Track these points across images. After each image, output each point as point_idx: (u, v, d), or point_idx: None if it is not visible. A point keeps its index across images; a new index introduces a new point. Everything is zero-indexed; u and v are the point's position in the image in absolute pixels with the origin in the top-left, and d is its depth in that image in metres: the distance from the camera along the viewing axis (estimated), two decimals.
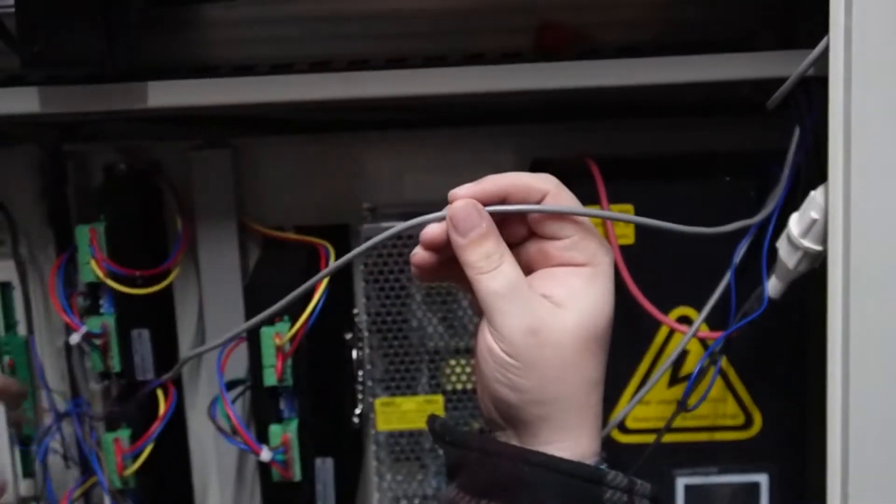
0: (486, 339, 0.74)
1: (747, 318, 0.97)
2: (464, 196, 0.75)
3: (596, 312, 0.75)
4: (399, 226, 0.78)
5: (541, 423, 0.74)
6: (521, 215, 0.76)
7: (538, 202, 0.76)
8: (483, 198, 0.75)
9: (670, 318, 1.01)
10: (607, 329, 0.75)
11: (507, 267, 0.74)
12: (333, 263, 0.86)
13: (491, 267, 0.74)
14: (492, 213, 0.75)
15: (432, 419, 0.79)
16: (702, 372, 1.01)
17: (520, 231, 0.77)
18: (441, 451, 0.83)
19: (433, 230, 0.76)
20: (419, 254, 0.77)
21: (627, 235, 1.01)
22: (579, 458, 0.74)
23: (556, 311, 0.74)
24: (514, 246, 0.77)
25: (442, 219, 0.76)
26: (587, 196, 1.00)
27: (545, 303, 0.74)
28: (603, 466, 0.74)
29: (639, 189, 1.01)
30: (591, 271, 0.75)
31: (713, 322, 1.00)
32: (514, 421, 0.75)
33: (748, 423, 1.05)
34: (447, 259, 0.77)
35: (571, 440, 0.74)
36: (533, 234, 0.77)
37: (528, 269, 0.77)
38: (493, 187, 0.76)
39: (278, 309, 0.84)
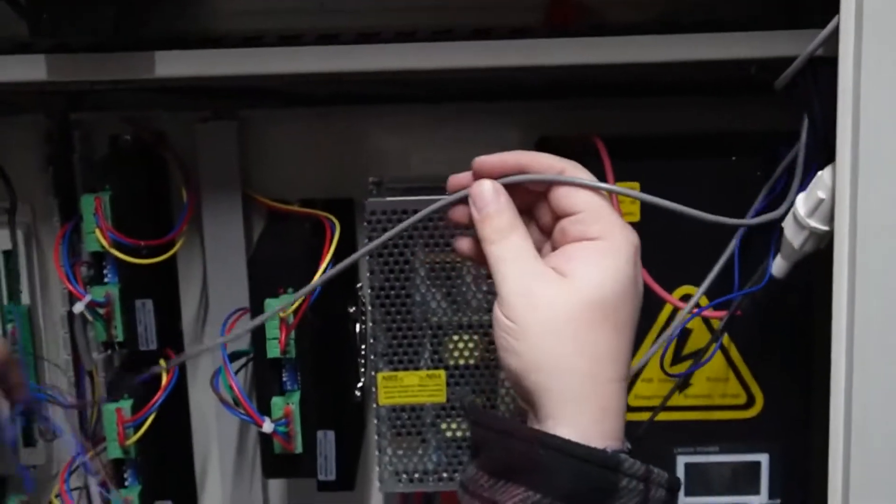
0: (494, 308, 0.77)
1: (747, 290, 0.97)
2: (486, 164, 0.81)
3: (602, 283, 0.76)
4: (427, 209, 0.85)
5: (542, 394, 0.75)
6: (544, 199, 0.81)
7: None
8: (504, 168, 0.81)
9: (674, 297, 1.01)
10: (618, 303, 0.76)
11: (516, 238, 0.78)
12: (367, 246, 0.93)
13: (500, 238, 0.78)
14: (507, 184, 0.80)
15: (460, 398, 0.81)
16: (703, 350, 1.02)
17: (546, 217, 0.81)
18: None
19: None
20: (460, 208, 0.83)
21: (633, 213, 1.01)
22: (584, 435, 0.74)
23: (556, 279, 0.76)
24: (544, 233, 0.82)
25: (462, 199, 0.82)
26: (594, 174, 1.00)
27: (548, 272, 0.77)
28: (623, 454, 0.74)
29: (645, 168, 1.01)
30: (604, 245, 0.77)
31: (719, 303, 1.00)
32: (522, 393, 0.77)
33: (750, 402, 1.05)
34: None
35: (575, 415, 0.75)
36: (557, 219, 0.80)
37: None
38: (513, 161, 0.81)
39: (302, 295, 0.87)
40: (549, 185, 0.80)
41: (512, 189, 0.80)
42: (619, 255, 0.77)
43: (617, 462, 0.73)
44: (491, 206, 0.79)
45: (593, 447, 0.73)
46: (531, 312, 0.75)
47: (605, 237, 0.77)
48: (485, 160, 0.81)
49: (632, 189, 1.00)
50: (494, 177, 0.81)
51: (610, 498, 0.73)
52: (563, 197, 0.79)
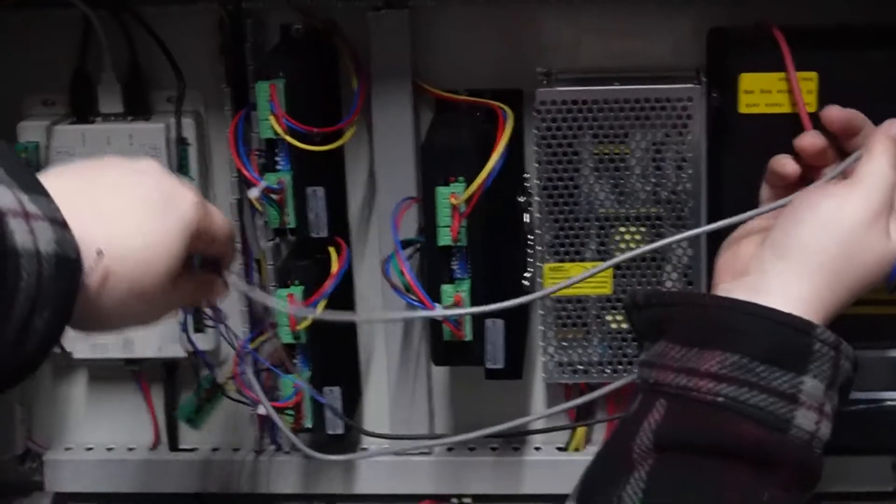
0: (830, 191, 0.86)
1: None
2: None
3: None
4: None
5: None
6: None
7: None
8: None
9: None
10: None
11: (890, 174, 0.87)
12: None
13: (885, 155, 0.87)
14: None
15: (631, 294, 0.85)
16: None
17: None
18: (633, 322, 0.87)
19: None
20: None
21: (811, 103, 0.99)
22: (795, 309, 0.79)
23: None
24: None
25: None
26: (770, 64, 0.98)
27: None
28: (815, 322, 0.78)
29: (825, 58, 0.99)
30: None
31: None
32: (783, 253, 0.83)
33: None
34: None
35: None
36: None
37: None
38: None
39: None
40: None
41: None
42: None
43: (811, 327, 0.78)
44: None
45: (789, 313, 0.78)
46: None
47: None
48: None
49: (808, 79, 0.99)
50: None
51: (804, 360, 0.77)
52: None
